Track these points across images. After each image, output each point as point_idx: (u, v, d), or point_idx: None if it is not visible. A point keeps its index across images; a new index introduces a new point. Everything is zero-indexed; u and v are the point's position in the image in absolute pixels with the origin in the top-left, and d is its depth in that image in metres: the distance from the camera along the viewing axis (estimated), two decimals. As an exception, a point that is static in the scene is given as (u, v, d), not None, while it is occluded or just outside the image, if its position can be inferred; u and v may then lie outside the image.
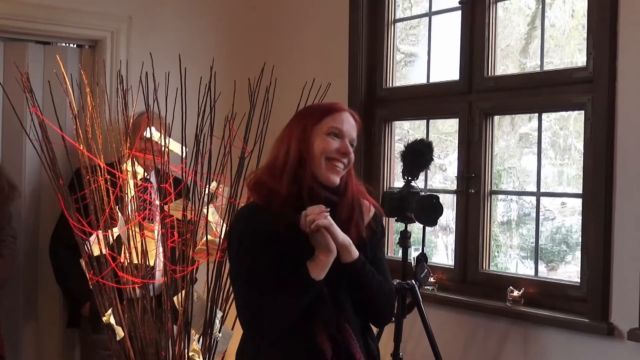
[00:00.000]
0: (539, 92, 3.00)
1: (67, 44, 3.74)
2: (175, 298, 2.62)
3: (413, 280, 2.80)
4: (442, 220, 2.91)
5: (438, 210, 2.72)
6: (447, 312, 3.17)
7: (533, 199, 3.12)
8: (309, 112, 2.10)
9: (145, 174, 3.19)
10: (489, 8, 3.18)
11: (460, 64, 3.27)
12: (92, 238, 2.66)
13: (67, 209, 2.66)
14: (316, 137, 2.03)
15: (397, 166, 3.58)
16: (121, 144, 2.77)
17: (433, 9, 3.49)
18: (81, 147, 2.66)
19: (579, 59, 2.97)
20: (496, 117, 3.22)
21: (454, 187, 3.31)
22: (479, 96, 3.20)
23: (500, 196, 3.31)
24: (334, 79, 3.18)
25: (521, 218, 3.35)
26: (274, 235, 1.97)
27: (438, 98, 3.40)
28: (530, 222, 3.25)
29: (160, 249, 2.68)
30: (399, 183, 3.53)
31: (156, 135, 2.68)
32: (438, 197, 2.74)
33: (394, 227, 3.59)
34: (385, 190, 3.56)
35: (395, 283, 2.78)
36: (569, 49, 3.12)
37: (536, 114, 3.09)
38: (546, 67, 3.05)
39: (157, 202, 2.74)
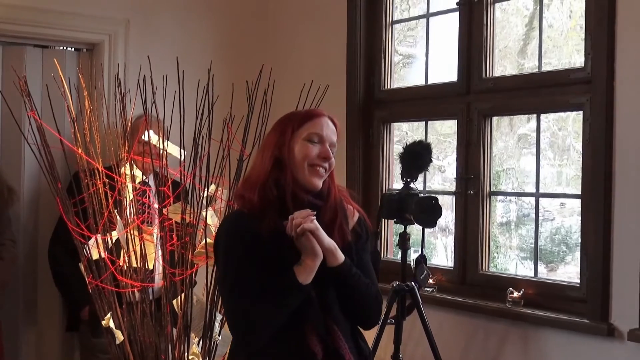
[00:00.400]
0: (537, 92, 3.00)
1: (65, 48, 3.74)
2: (174, 301, 2.62)
3: (412, 282, 2.79)
4: (441, 221, 2.91)
5: (437, 211, 2.72)
6: (447, 313, 3.17)
7: (532, 199, 3.12)
8: (288, 118, 2.11)
9: (144, 177, 3.19)
10: (486, 9, 3.18)
11: (459, 65, 3.27)
12: (91, 242, 2.66)
13: (66, 212, 2.66)
14: (296, 142, 2.04)
15: (396, 168, 3.58)
16: (119, 147, 2.77)
17: (431, 10, 3.49)
18: (79, 151, 2.67)
19: (577, 60, 2.97)
20: (495, 118, 3.22)
21: (453, 188, 3.31)
22: (477, 97, 3.20)
23: (500, 197, 3.30)
24: (332, 80, 3.18)
25: (520, 219, 3.35)
26: (259, 240, 1.98)
27: (436, 99, 3.40)
28: (529, 222, 3.24)
29: (159, 252, 2.68)
30: (398, 185, 3.53)
31: (154, 138, 2.68)
32: (437, 199, 2.74)
33: (393, 228, 3.58)
34: (384, 192, 3.56)
35: (394, 285, 2.79)
36: (567, 50, 3.11)
37: (534, 115, 3.09)
38: (544, 68, 3.05)
39: (156, 206, 2.74)
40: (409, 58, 3.86)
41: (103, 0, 3.67)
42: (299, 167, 2.02)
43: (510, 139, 3.36)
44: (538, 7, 3.10)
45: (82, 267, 2.71)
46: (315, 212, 1.96)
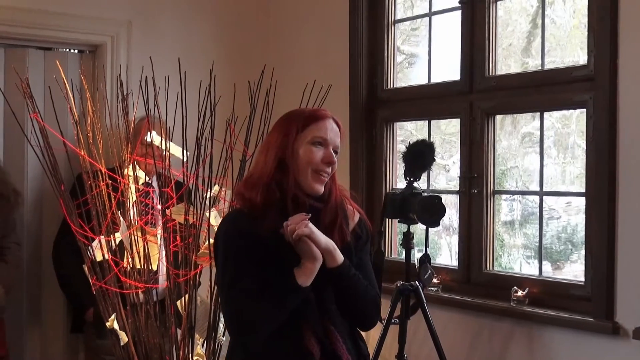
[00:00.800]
0: (541, 90, 2.99)
1: (67, 50, 3.74)
2: (178, 302, 2.62)
3: (417, 282, 2.79)
4: (445, 220, 2.90)
5: (440, 210, 2.71)
6: (452, 312, 3.16)
7: (537, 198, 3.11)
8: (292, 118, 2.08)
9: (147, 178, 3.19)
10: (488, 7, 3.17)
11: (461, 63, 3.26)
12: (95, 243, 2.66)
13: (69, 214, 2.66)
14: (300, 145, 2.02)
15: (399, 167, 3.57)
16: (122, 148, 2.77)
17: (433, 9, 3.48)
18: (82, 153, 2.67)
19: (581, 57, 2.96)
20: (498, 117, 3.21)
21: (457, 187, 3.30)
22: (480, 96, 3.19)
23: (504, 196, 3.29)
24: (335, 80, 3.18)
25: (525, 217, 3.35)
26: (258, 240, 1.97)
27: (439, 98, 3.39)
28: (534, 221, 3.24)
29: (163, 254, 2.68)
30: (401, 184, 3.52)
31: (157, 139, 2.68)
32: (440, 198, 2.73)
33: (397, 228, 3.58)
34: (387, 191, 3.55)
35: (398, 284, 2.78)
36: (570, 48, 3.11)
37: (538, 113, 3.08)
38: (547, 66, 3.04)
39: (159, 207, 2.74)
40: (411, 57, 3.86)
41: (105, 2, 3.68)
42: (302, 171, 2.01)
43: (513, 137, 3.36)
44: (541, 5, 3.09)
45: (86, 269, 2.71)
46: (310, 215, 1.95)
